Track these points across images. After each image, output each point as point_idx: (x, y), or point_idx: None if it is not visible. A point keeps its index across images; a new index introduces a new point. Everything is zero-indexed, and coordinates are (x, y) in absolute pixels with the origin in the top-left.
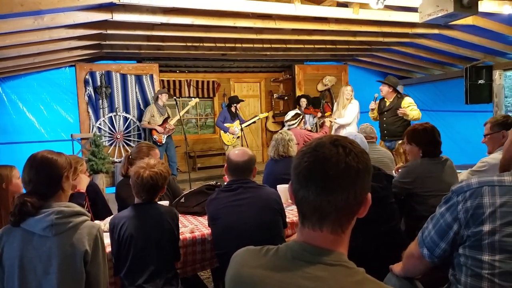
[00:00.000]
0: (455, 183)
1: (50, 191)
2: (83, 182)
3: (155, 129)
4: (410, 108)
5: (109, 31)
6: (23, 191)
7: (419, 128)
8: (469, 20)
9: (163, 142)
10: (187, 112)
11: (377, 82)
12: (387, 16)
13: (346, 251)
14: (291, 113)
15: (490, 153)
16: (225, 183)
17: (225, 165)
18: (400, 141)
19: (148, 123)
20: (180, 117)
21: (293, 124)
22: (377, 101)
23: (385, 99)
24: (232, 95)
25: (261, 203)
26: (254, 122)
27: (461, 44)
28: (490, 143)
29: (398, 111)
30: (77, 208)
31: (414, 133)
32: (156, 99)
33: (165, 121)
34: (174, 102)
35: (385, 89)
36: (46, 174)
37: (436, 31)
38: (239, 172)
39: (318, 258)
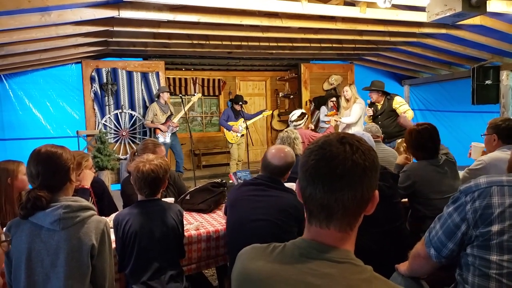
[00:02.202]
0: (457, 184)
1: (60, 183)
2: (87, 178)
3: (158, 128)
4: (403, 109)
5: (116, 28)
6: (29, 187)
7: (410, 130)
8: (477, 20)
9: (168, 141)
10: (192, 109)
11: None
12: (394, 15)
13: (353, 249)
14: (297, 113)
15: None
16: (254, 176)
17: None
18: (399, 140)
19: (151, 122)
20: (186, 113)
21: (299, 124)
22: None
23: (376, 103)
24: (237, 93)
25: (277, 206)
26: (259, 116)
27: (469, 44)
28: (485, 143)
29: (400, 122)
30: (85, 202)
31: (406, 134)
32: (157, 97)
33: (168, 118)
34: (180, 100)
35: (374, 96)
36: (54, 166)
37: (443, 31)
38: (268, 171)
39: (326, 255)
